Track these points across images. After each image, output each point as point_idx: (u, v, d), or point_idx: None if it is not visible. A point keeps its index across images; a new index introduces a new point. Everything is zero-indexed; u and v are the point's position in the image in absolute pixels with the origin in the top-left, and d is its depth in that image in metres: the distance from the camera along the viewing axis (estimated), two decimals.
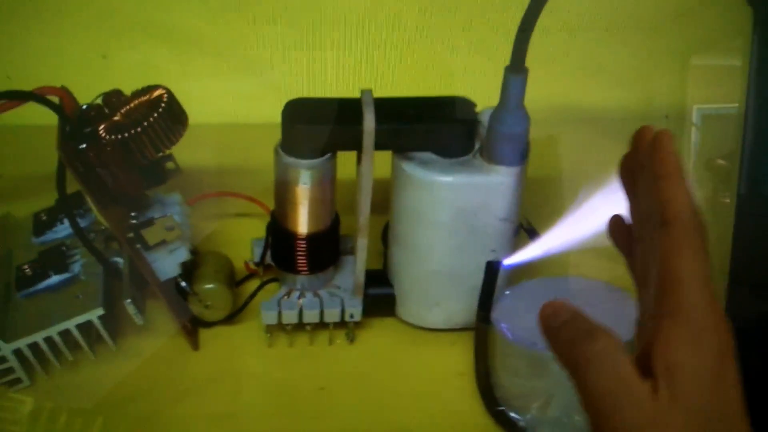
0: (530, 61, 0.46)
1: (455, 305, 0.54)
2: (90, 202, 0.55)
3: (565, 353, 0.26)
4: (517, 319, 0.49)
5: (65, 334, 0.50)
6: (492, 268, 0.49)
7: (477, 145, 0.51)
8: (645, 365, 0.24)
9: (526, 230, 0.56)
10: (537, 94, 0.48)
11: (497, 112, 0.48)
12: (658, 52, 0.71)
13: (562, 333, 0.26)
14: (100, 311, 0.50)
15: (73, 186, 0.49)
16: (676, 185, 0.26)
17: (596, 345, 0.25)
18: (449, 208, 0.50)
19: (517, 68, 0.46)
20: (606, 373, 0.24)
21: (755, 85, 0.51)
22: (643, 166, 0.28)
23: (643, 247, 0.28)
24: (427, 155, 0.50)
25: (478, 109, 0.52)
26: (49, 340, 0.49)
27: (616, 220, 0.31)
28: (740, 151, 0.51)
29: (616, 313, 0.37)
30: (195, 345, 0.54)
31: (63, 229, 0.56)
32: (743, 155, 0.51)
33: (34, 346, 0.49)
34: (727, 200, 0.54)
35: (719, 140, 0.61)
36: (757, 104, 0.51)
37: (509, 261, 0.50)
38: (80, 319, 0.49)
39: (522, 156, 0.49)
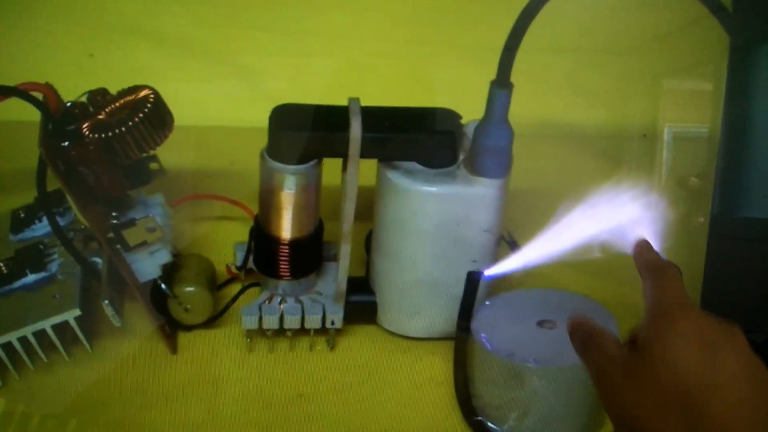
0: (515, 78, 0.47)
1: (436, 314, 0.54)
2: (70, 200, 0.55)
3: (581, 348, 0.39)
4: (496, 329, 0.49)
5: (40, 334, 0.49)
6: (473, 279, 0.49)
7: (461, 157, 0.51)
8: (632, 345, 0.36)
9: (507, 242, 0.56)
10: (521, 109, 0.49)
11: (482, 124, 0.49)
12: (637, 73, 0.73)
13: (579, 333, 0.39)
14: (77, 312, 0.49)
15: (53, 184, 0.49)
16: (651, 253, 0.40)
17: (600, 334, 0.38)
18: (432, 217, 0.50)
19: (502, 83, 0.47)
20: (602, 349, 0.37)
21: (730, 109, 0.52)
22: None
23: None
24: (412, 165, 0.51)
25: (463, 121, 0.52)
26: (23, 340, 0.49)
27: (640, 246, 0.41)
28: (714, 173, 0.52)
29: None
30: (173, 348, 0.53)
31: (41, 228, 0.55)
32: (717, 177, 0.52)
33: (7, 346, 0.48)
34: (701, 219, 0.55)
35: (693, 159, 0.63)
36: (733, 127, 0.52)
37: (490, 272, 0.50)
38: (56, 319, 0.49)
39: (505, 169, 0.50)
